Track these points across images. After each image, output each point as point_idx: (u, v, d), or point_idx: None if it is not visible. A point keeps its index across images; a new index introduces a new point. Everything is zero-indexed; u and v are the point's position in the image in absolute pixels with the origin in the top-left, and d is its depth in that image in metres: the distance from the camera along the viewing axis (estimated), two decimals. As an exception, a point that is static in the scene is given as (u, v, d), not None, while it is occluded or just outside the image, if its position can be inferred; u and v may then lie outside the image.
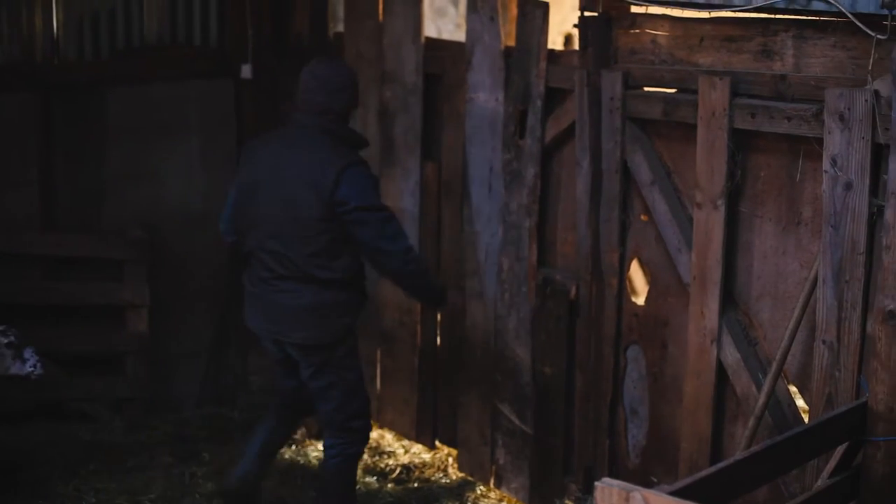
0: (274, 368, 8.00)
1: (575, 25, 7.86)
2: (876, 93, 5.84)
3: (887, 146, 5.64)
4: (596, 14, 7.65)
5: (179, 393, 10.18)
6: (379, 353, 9.70)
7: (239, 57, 10.35)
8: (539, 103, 8.09)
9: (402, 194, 9.23)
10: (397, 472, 8.97)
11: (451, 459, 9.17)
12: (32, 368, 7.46)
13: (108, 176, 9.93)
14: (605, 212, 7.74)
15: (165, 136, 10.15)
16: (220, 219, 7.91)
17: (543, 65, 8.03)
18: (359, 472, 8.19)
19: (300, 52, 10.05)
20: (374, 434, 9.31)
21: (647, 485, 6.86)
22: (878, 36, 5.85)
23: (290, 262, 7.19)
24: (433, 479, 8.90)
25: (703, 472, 4.64)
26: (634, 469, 7.73)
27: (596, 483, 4.20)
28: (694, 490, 4.43)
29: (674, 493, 4.26)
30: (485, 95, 8.44)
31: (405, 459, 9.19)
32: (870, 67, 5.94)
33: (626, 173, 7.58)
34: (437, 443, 9.41)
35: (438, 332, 9.31)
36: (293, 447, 9.25)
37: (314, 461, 8.98)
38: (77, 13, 9.78)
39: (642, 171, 7.43)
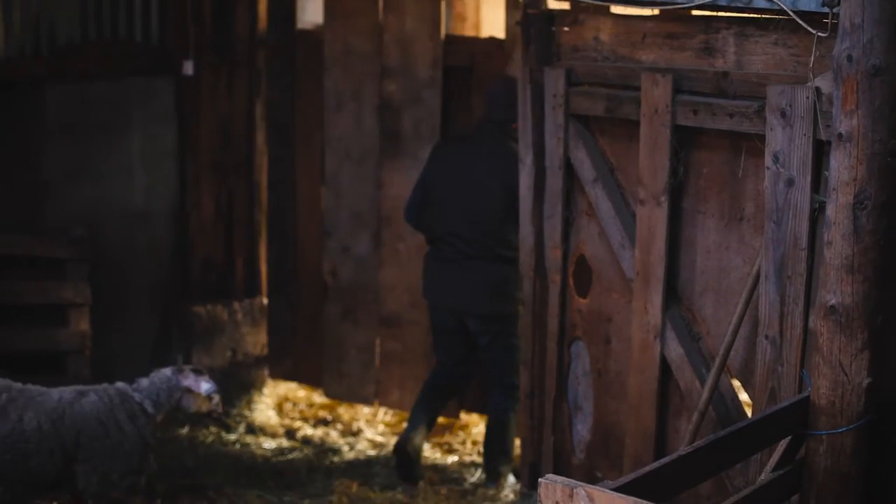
0: (438, 344, 9.05)
1: (517, 22, 7.90)
2: (817, 90, 5.89)
3: (828, 143, 5.68)
4: (538, 11, 7.67)
5: (122, 392, 10.10)
6: (379, 338, 10.36)
7: (180, 54, 10.29)
8: None
9: (411, 183, 9.25)
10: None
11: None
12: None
13: (47, 175, 9.83)
14: (549, 208, 7.77)
15: (106, 133, 10.07)
16: (407, 209, 8.96)
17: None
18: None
19: (253, 48, 10.13)
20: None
21: (592, 480, 6.92)
22: (819, 33, 5.90)
23: (480, 244, 8.54)
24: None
25: (648, 468, 4.66)
26: (579, 465, 7.76)
27: (540, 479, 4.21)
28: (638, 485, 4.45)
29: (618, 489, 4.28)
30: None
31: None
32: (811, 65, 5.98)
33: (570, 170, 7.61)
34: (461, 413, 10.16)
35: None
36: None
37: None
38: (17, 10, 9.67)
39: (585, 168, 7.46)
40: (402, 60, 9.94)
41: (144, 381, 7.60)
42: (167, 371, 7.65)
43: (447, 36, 9.96)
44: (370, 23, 10.04)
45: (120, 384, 7.59)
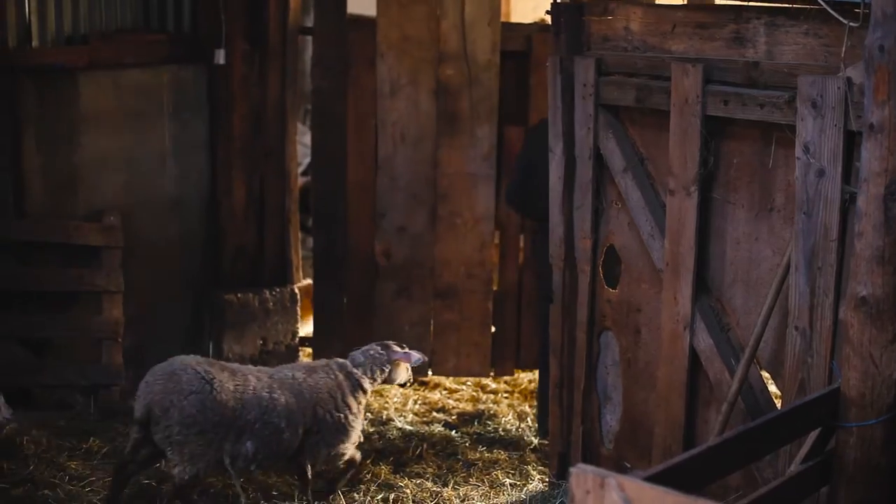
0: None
1: (547, 12, 7.89)
2: (848, 80, 5.88)
3: (860, 133, 5.66)
4: (568, 1, 7.67)
5: (154, 379, 10.17)
6: (434, 311, 10.98)
7: (212, 43, 10.33)
8: None
9: (469, 161, 10.70)
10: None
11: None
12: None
13: (81, 162, 9.90)
14: (578, 198, 7.77)
15: (138, 121, 10.14)
16: (508, 192, 9.50)
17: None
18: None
19: (285, 37, 10.34)
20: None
21: (621, 470, 6.91)
22: (851, 23, 5.88)
23: None
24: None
25: (678, 458, 4.66)
26: (608, 455, 7.77)
27: (571, 469, 4.21)
28: (668, 476, 4.45)
29: (648, 479, 4.28)
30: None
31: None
32: (842, 55, 5.96)
33: (599, 160, 7.61)
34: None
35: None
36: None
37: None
38: (50, -1, 9.76)
39: (615, 158, 7.46)
40: (461, 46, 10.61)
41: (359, 357, 8.11)
42: (376, 347, 8.16)
43: (503, 22, 10.83)
44: (426, 10, 10.62)
45: (340, 360, 8.13)
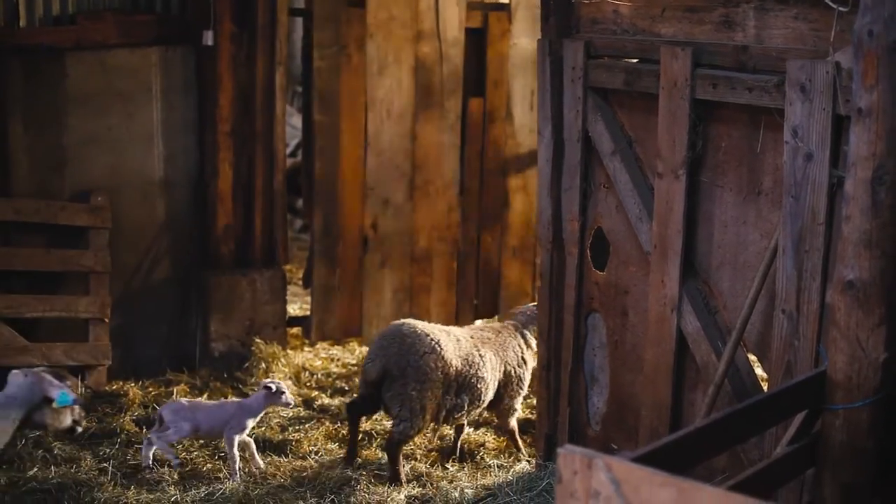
0: None
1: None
2: (837, 64, 5.89)
3: (848, 117, 5.67)
4: (557, -17, 7.68)
5: (142, 359, 10.18)
6: (410, 276, 11.59)
7: (200, 23, 10.30)
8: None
9: (439, 131, 11.51)
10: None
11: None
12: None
13: (68, 142, 9.89)
14: (567, 180, 7.78)
15: (126, 102, 10.12)
16: None
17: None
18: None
19: (274, 18, 10.43)
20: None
21: (608, 452, 6.92)
22: (840, 8, 5.89)
23: None
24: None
25: (665, 440, 4.67)
26: (595, 436, 7.79)
27: (559, 450, 4.22)
28: (655, 457, 4.46)
29: (636, 460, 4.29)
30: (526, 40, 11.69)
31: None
32: (831, 39, 5.98)
33: (588, 143, 7.62)
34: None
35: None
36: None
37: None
38: (37, -22, 9.74)
39: (604, 141, 7.47)
40: (434, 24, 11.34)
41: (522, 318, 8.89)
42: (531, 307, 8.87)
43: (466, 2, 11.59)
44: None
45: (513, 321, 8.95)
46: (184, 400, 8.63)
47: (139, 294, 10.30)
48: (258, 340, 10.46)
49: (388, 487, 8.09)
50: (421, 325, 8.41)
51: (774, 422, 5.71)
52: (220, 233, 10.59)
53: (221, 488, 8.02)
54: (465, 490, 8.03)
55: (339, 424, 9.26)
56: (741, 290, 6.70)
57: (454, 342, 8.40)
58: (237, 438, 8.29)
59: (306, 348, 11.25)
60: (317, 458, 8.69)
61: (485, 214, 12.02)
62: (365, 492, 8.00)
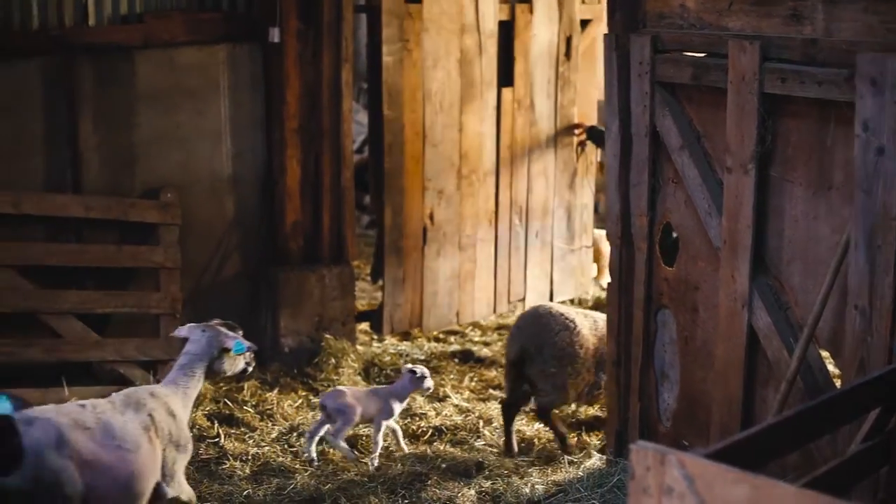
0: None
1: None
2: (908, 58, 5.83)
3: (920, 111, 5.63)
4: (625, -22, 7.66)
5: (211, 355, 10.26)
6: (458, 263, 11.94)
7: (267, 20, 10.36)
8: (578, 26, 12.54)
9: (480, 122, 11.91)
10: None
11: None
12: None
13: (137, 140, 10.00)
14: (635, 176, 7.76)
15: (194, 100, 10.21)
16: None
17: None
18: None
19: (340, 15, 10.52)
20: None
21: (679, 448, 6.90)
22: (911, 1, 5.84)
23: None
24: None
25: (738, 436, 4.66)
26: (665, 433, 7.77)
27: (631, 445, 4.22)
28: (728, 453, 4.45)
29: (709, 456, 4.28)
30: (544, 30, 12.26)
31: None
32: (902, 32, 5.93)
33: (656, 138, 7.59)
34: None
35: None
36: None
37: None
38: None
39: (672, 136, 7.44)
40: (475, 17, 11.64)
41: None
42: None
43: None
44: None
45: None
46: (342, 387, 8.88)
47: (209, 290, 10.40)
48: (327, 336, 10.53)
49: (560, 451, 8.74)
50: (556, 307, 9.06)
51: (847, 419, 5.67)
52: (288, 229, 10.66)
53: (292, 483, 8.08)
54: (536, 485, 8.04)
55: (408, 419, 9.29)
56: (813, 285, 6.65)
57: (591, 322, 8.95)
58: (385, 424, 8.65)
59: (374, 343, 11.30)
60: (387, 453, 8.73)
61: (514, 200, 12.33)
62: (435, 487, 8.03)
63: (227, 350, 7.30)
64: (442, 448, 8.82)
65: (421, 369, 8.80)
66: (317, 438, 8.63)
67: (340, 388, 8.86)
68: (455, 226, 11.79)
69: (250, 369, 7.58)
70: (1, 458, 5.61)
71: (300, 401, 9.72)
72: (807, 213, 6.68)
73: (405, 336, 11.55)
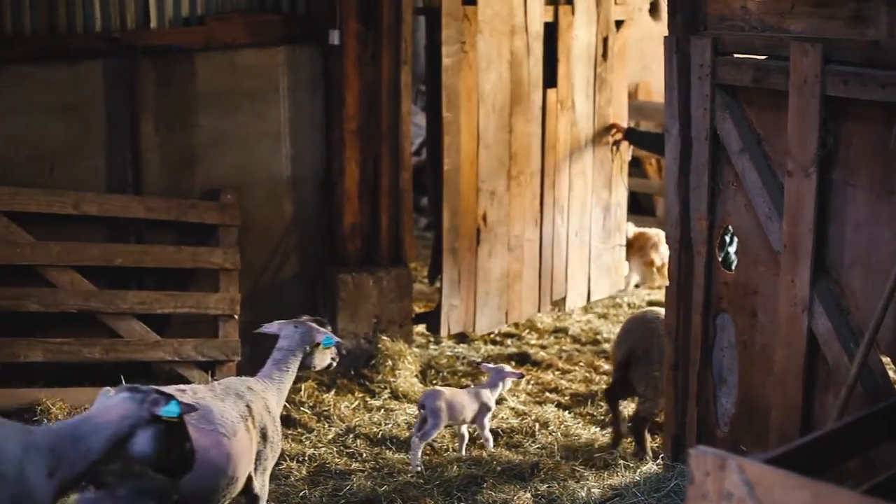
0: None
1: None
2: (973, 61, 5.76)
3: (985, 115, 5.56)
4: (686, -20, 7.62)
5: (270, 355, 10.28)
6: (507, 263, 11.86)
7: (326, 23, 10.40)
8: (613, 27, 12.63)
9: (528, 121, 11.87)
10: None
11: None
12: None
13: (197, 141, 10.06)
14: (695, 179, 7.70)
15: (253, 101, 10.27)
16: None
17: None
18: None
19: (399, 17, 10.56)
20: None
21: (737, 454, 6.86)
22: (976, 3, 5.77)
23: None
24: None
25: (798, 442, 4.64)
26: (723, 438, 7.71)
27: (690, 450, 4.20)
28: (788, 459, 4.43)
29: (768, 462, 4.26)
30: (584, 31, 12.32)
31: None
32: (967, 35, 5.86)
33: (716, 141, 7.54)
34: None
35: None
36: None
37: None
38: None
39: (732, 139, 7.39)
40: (524, 19, 11.58)
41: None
42: None
43: None
44: None
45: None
46: (440, 388, 8.98)
47: (267, 291, 10.45)
48: (384, 338, 10.54)
49: (639, 462, 8.57)
50: (663, 312, 8.83)
51: (909, 425, 5.62)
52: (346, 231, 10.69)
53: (348, 484, 8.10)
54: (592, 489, 8.01)
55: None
56: (874, 290, 6.57)
57: None
58: (488, 419, 8.94)
59: (431, 346, 11.31)
60: (444, 455, 8.74)
61: (556, 200, 12.34)
62: (491, 490, 8.02)
63: (318, 345, 7.52)
64: (497, 451, 8.81)
65: (507, 369, 9.11)
66: (424, 441, 8.70)
67: (439, 388, 8.95)
68: (505, 226, 11.76)
69: (335, 364, 7.76)
70: (176, 462, 5.64)
71: (357, 402, 9.74)
72: (869, 217, 6.61)
73: (461, 338, 11.55)
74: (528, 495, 7.95)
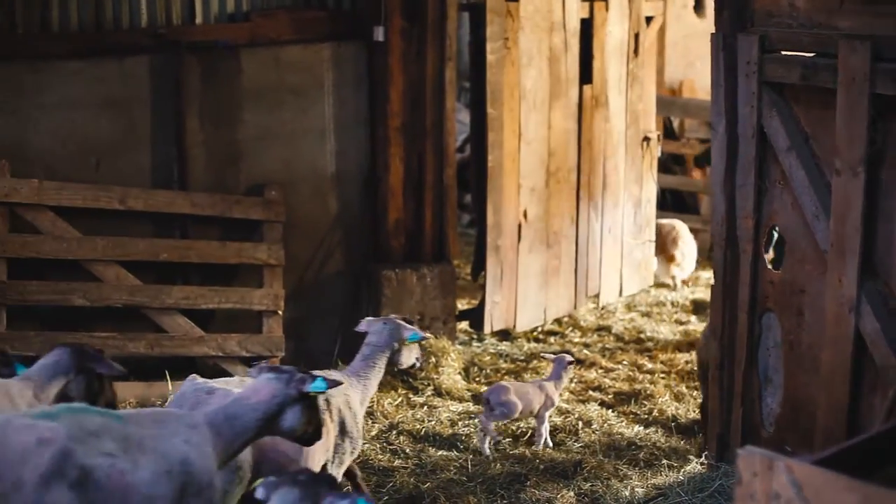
0: None
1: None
2: None
3: None
4: (733, -23, 7.57)
5: (314, 351, 10.31)
6: (546, 259, 11.85)
7: (371, 20, 10.40)
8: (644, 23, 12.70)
9: (566, 118, 11.86)
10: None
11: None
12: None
13: (242, 137, 10.09)
14: (741, 177, 7.65)
15: (299, 97, 10.28)
16: None
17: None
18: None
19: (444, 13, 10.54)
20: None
21: (782, 454, 6.80)
22: None
23: None
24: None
25: (847, 443, 4.59)
26: (768, 438, 7.65)
27: (738, 451, 4.17)
28: (837, 460, 4.38)
29: (817, 463, 4.22)
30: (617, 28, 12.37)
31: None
32: None
33: (763, 139, 7.48)
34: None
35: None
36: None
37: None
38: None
39: (779, 137, 7.33)
40: (562, 15, 11.62)
41: None
42: None
43: None
44: None
45: None
46: (505, 382, 9.05)
47: (312, 287, 10.47)
48: (428, 334, 10.53)
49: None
50: None
51: (958, 427, 5.56)
52: (390, 227, 10.70)
53: (392, 481, 8.10)
54: (636, 489, 7.98)
55: (507, 420, 9.27)
56: (923, 290, 6.52)
57: None
58: (548, 415, 8.97)
59: (474, 343, 11.30)
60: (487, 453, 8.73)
61: (591, 196, 12.38)
62: (534, 488, 8.01)
63: (404, 341, 7.66)
64: (541, 449, 8.79)
65: (568, 357, 9.12)
66: (490, 436, 8.76)
67: (504, 383, 9.00)
68: (543, 222, 11.76)
69: (419, 363, 7.94)
70: (313, 433, 6.01)
71: (399, 399, 9.74)
72: (918, 216, 6.55)
73: (503, 335, 11.54)
74: (572, 494, 7.93)
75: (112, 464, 5.12)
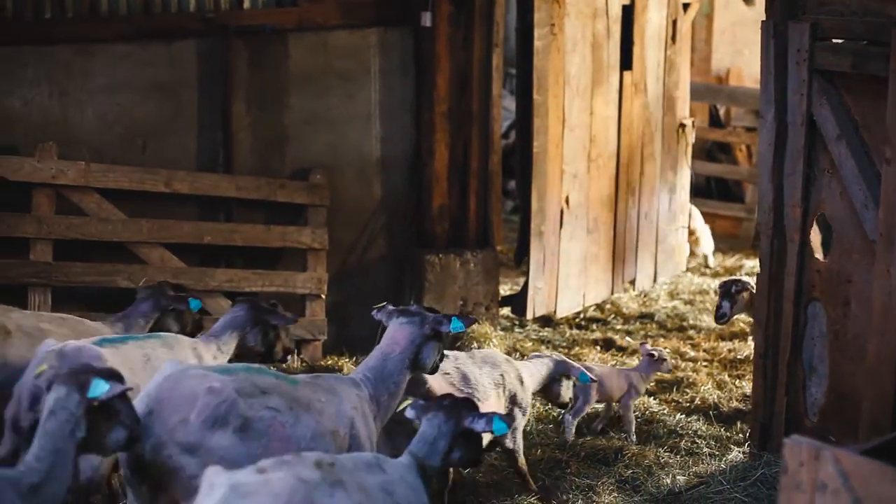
0: None
1: (760, -24, 7.82)
2: None
3: None
4: (784, -35, 7.52)
5: (356, 335, 10.32)
6: (586, 245, 11.84)
7: (419, 5, 10.39)
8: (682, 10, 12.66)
9: (607, 104, 11.89)
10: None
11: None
12: None
13: (289, 121, 10.11)
14: (789, 165, 7.60)
15: (344, 82, 10.30)
16: None
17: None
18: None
19: None
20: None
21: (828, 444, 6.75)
22: None
23: None
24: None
25: (894, 434, 4.55)
26: (812, 427, 7.61)
27: (785, 440, 4.15)
28: (885, 451, 4.35)
29: (864, 453, 4.19)
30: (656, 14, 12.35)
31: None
32: None
33: (812, 127, 7.43)
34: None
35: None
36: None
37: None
38: (261, -40, 9.98)
39: (829, 125, 7.28)
40: (604, 1, 11.66)
41: None
42: None
43: None
44: None
45: None
46: (590, 365, 9.00)
47: (355, 271, 10.48)
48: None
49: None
50: None
51: None
52: (434, 212, 10.70)
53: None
54: (677, 476, 7.96)
55: (549, 407, 9.25)
56: (972, 281, 6.47)
57: None
58: (632, 404, 8.91)
59: (516, 329, 11.29)
60: (528, 439, 8.71)
61: (629, 182, 12.36)
62: (575, 475, 7.99)
63: (575, 379, 8.05)
64: (633, 439, 8.76)
65: (659, 351, 9.06)
66: (577, 418, 8.79)
67: (588, 365, 8.94)
68: (584, 208, 11.76)
69: (570, 403, 8.43)
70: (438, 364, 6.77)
71: (444, 384, 9.73)
72: (968, 207, 6.49)
73: (545, 321, 11.52)
74: (612, 480, 7.91)
75: (274, 416, 5.68)
